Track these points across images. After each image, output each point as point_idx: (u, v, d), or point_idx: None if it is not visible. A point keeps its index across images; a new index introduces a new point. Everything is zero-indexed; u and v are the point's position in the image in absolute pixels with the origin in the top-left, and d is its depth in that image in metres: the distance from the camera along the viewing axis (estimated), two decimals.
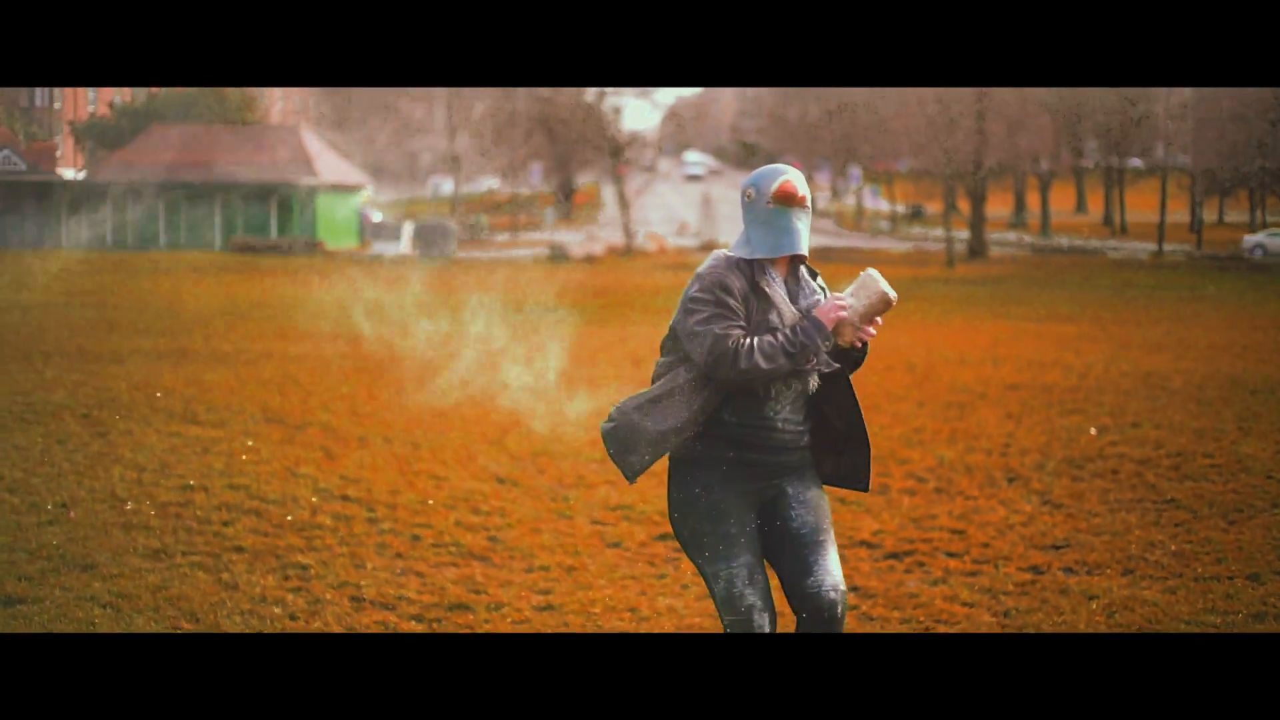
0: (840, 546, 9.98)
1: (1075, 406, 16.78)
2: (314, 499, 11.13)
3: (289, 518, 10.47)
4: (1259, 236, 59.62)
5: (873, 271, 5.94)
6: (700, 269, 5.84)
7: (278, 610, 8.08)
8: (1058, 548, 9.93)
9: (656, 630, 7.99)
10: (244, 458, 12.78)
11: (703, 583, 8.87)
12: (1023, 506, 11.32)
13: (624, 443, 5.84)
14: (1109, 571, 9.23)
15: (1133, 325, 29.80)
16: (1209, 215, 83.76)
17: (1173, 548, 9.85)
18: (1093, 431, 14.80)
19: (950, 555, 9.72)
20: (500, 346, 24.40)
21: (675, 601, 8.54)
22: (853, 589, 8.84)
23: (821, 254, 64.90)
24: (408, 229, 69.25)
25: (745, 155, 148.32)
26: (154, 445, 13.28)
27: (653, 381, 5.95)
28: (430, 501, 11.26)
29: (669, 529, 10.49)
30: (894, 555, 9.75)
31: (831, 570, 5.87)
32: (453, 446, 13.86)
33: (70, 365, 19.50)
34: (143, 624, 7.74)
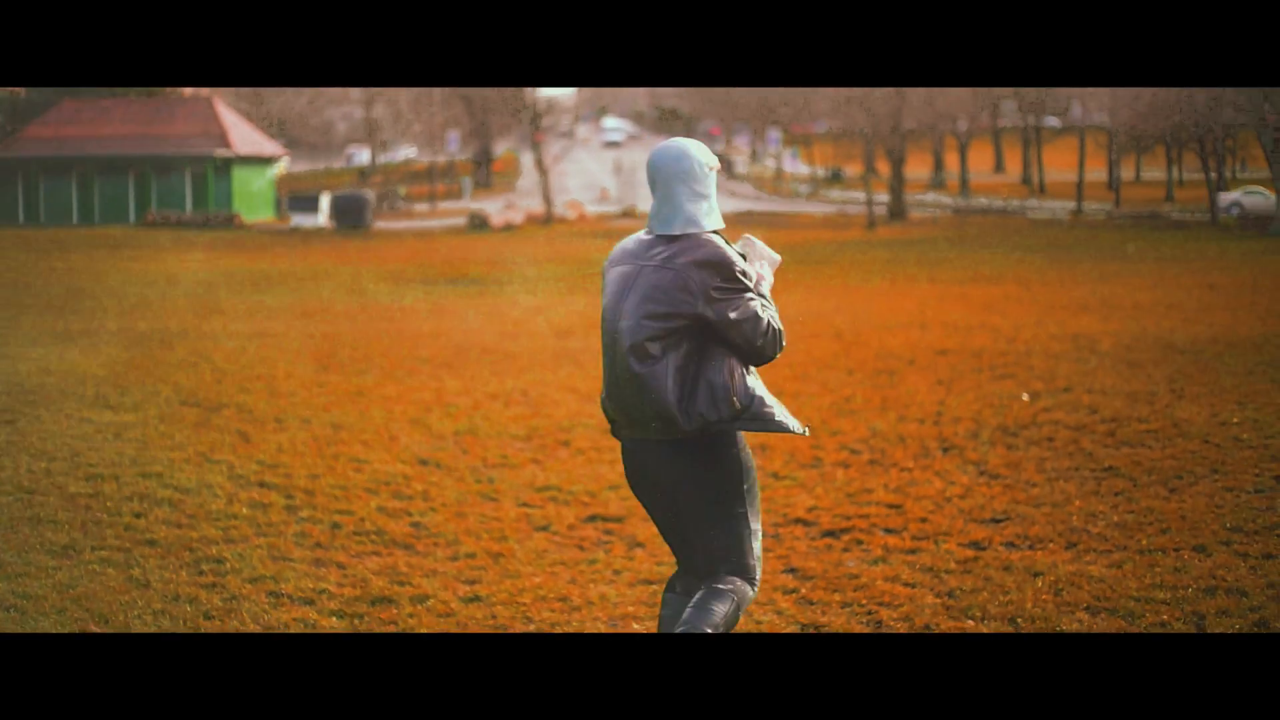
0: (775, 524, 9.72)
1: (1005, 371, 16.57)
2: (230, 486, 10.75)
3: (203, 507, 10.08)
4: (1235, 195, 59.09)
5: (751, 236, 6.09)
6: (707, 254, 5.69)
7: (190, 609, 7.70)
8: (998, 521, 9.66)
9: (589, 620, 7.65)
10: (158, 444, 12.37)
11: (628, 569, 8.59)
12: (959, 478, 11.07)
13: (765, 420, 5.90)
14: (1052, 546, 8.97)
15: (1057, 285, 29.70)
16: (1126, 173, 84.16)
17: (1115, 519, 9.61)
18: (1025, 398, 14.58)
19: (888, 531, 9.44)
20: (420, 321, 24.04)
21: (608, 589, 8.21)
22: (790, 570, 8.56)
23: (743, 218, 64.81)
24: (325, 201, 68.51)
25: (664, 120, 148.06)
26: (64, 432, 12.85)
27: (643, 361, 5.73)
28: (351, 486, 10.89)
29: (598, 510, 10.19)
30: (830, 533, 9.45)
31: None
32: (373, 427, 13.46)
33: None
34: (48, 626, 7.36)
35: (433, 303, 28.19)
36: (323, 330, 22.35)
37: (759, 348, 5.76)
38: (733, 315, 5.68)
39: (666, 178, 5.86)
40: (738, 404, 5.77)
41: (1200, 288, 28.13)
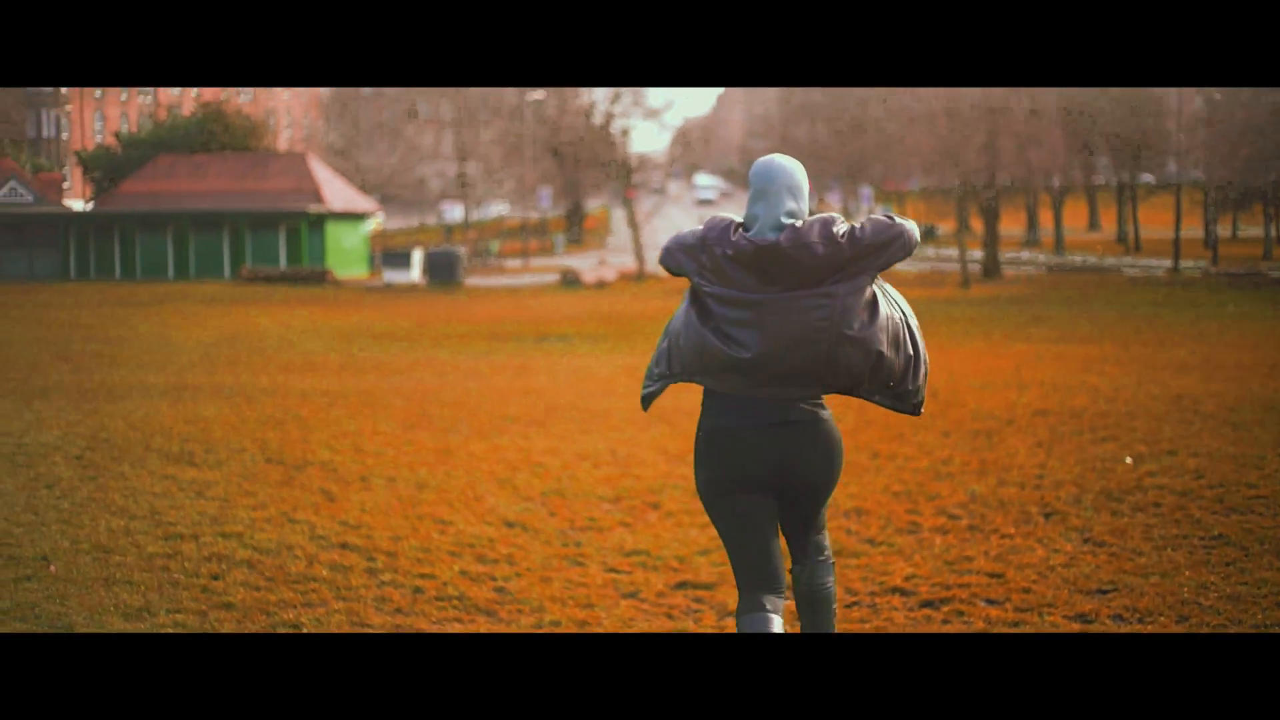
0: (871, 593, 9.37)
1: (1107, 433, 16.12)
2: (311, 547, 10.50)
3: (283, 569, 9.83)
4: None
5: None
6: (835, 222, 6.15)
7: None
8: (1104, 592, 9.26)
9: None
10: (239, 502, 12.15)
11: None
12: (1063, 545, 10.66)
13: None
14: (1162, 619, 8.57)
15: (1156, 345, 29.16)
16: (1223, 231, 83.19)
17: (1227, 590, 9.19)
18: (1128, 461, 14.13)
19: (990, 603, 9.06)
20: (509, 379, 23.82)
21: None
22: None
23: None
24: (417, 256, 68.65)
25: None
26: (146, 489, 12.66)
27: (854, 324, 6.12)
28: (434, 548, 10.62)
29: (688, 576, 9.88)
30: (929, 604, 9.08)
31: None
32: (459, 487, 13.19)
33: (67, 403, 18.92)
34: None
35: (523, 360, 28.00)
36: (411, 387, 22.17)
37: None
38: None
39: (795, 185, 6.20)
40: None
41: None
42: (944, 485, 13.15)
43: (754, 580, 6.24)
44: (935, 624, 8.61)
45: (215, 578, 9.57)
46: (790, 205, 6.12)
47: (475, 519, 11.76)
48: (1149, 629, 8.36)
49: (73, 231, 74.37)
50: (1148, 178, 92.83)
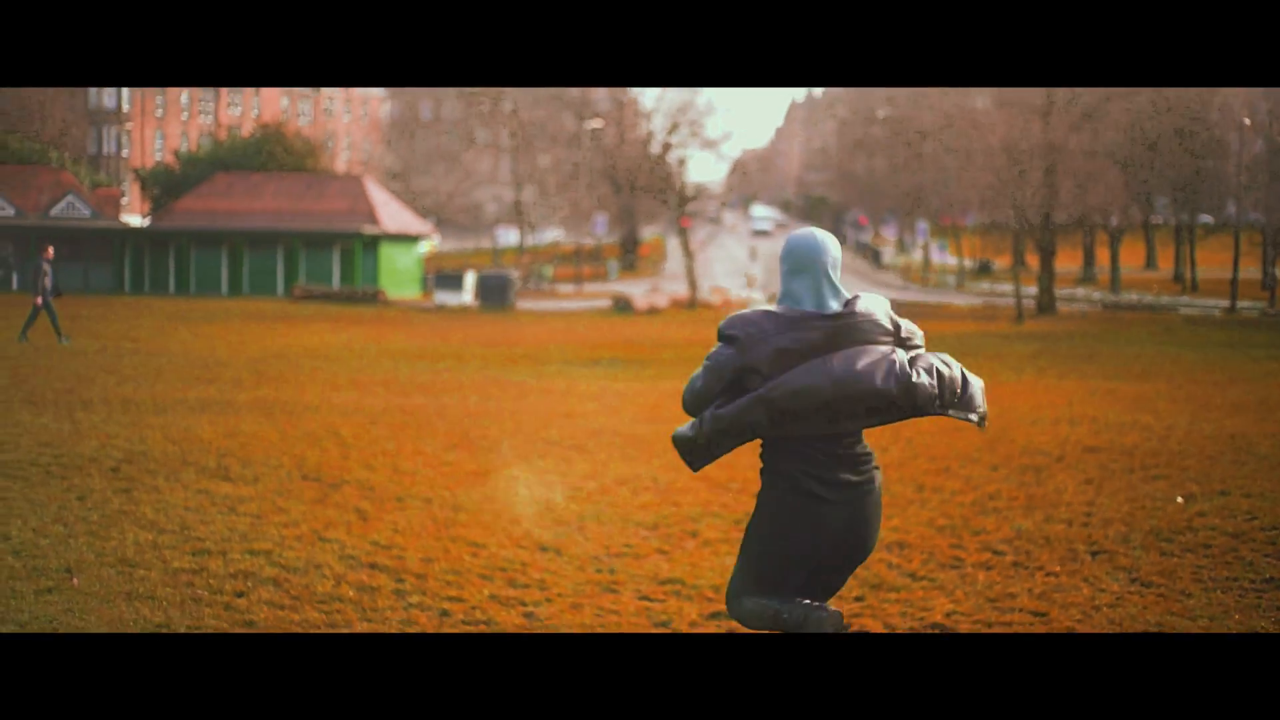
0: (911, 630, 9.09)
1: (1158, 472, 15.81)
2: (339, 567, 10.30)
3: (309, 588, 9.63)
4: None
5: None
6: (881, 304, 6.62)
7: None
8: (1150, 635, 8.98)
9: None
10: (271, 519, 11.97)
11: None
12: (1109, 585, 10.38)
13: None
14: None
15: (1210, 385, 28.74)
16: None
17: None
18: (1179, 500, 13.83)
19: None
20: (555, 402, 23.62)
21: None
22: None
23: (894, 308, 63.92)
24: (469, 279, 68.63)
25: (811, 208, 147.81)
26: (178, 503, 12.50)
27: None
28: (465, 571, 10.41)
29: (722, 607, 9.63)
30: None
31: None
32: (495, 509, 12.98)
33: (109, 415, 18.80)
34: None
35: (569, 384, 27.80)
36: (455, 408, 21.99)
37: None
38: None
39: (836, 260, 6.52)
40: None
41: None
42: (989, 520, 12.87)
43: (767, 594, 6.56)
44: None
45: (239, 595, 9.38)
46: (836, 278, 6.48)
47: (509, 542, 11.55)
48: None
49: (128, 246, 74.67)
50: (1206, 218, 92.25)
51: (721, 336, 6.35)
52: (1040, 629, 9.06)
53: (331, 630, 8.65)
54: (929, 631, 8.99)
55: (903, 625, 9.17)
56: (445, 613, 9.20)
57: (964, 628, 9.10)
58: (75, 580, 9.49)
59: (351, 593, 9.57)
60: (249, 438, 17.09)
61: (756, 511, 6.53)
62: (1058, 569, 10.92)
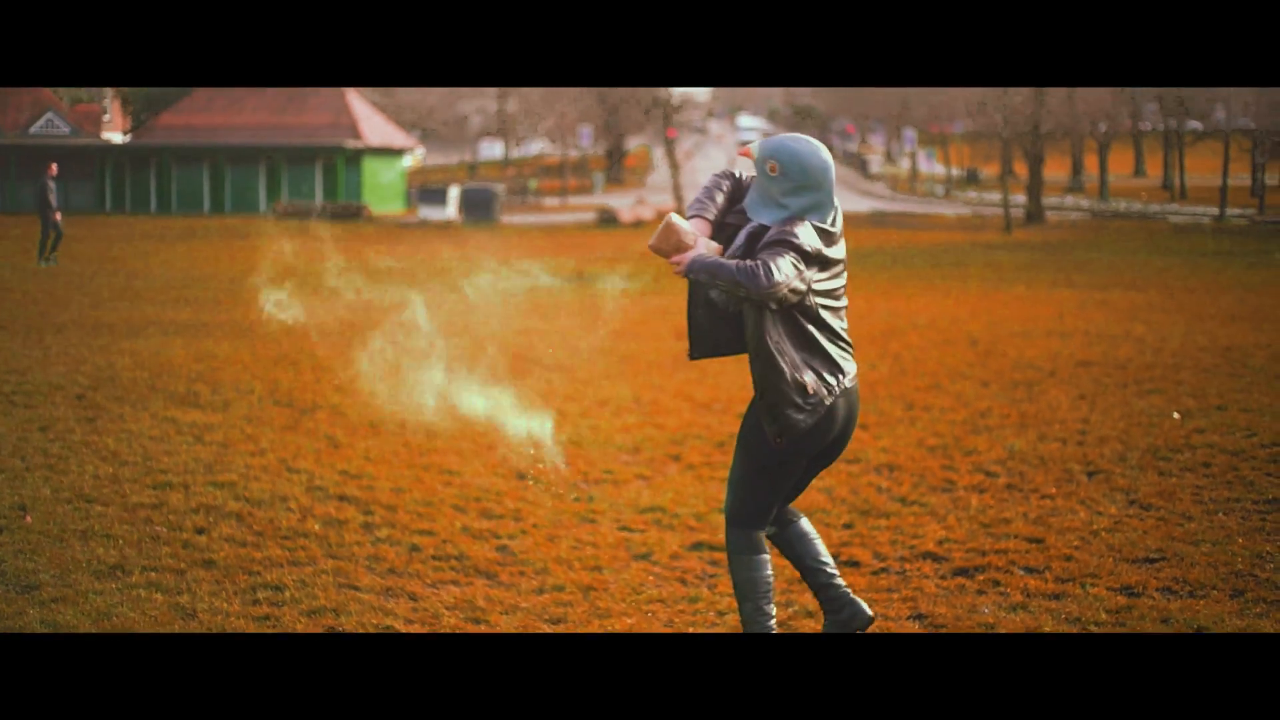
0: (901, 559, 8.71)
1: (1153, 386, 15.43)
2: (306, 499, 9.89)
3: (273, 523, 9.23)
4: None
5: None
6: None
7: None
8: (1151, 561, 8.60)
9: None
10: (238, 448, 11.56)
11: (733, 610, 7.60)
12: (1107, 508, 10.00)
13: None
14: (1215, 593, 7.90)
15: (1202, 293, 28.31)
16: (1271, 179, 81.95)
17: None
18: (1176, 416, 13.44)
19: (1029, 571, 8.40)
20: (537, 320, 23.16)
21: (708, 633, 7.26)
22: (918, 617, 7.56)
23: (875, 219, 63.68)
24: (453, 193, 67.96)
25: (799, 118, 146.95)
26: (142, 433, 12.08)
27: None
28: (437, 502, 10.00)
29: (705, 536, 9.25)
30: (963, 571, 8.42)
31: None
32: (472, 434, 12.54)
33: (80, 339, 18.36)
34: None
35: (552, 300, 27.31)
36: (436, 325, 21.51)
37: None
38: None
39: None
40: None
41: None
42: (981, 440, 12.49)
43: (761, 522, 6.57)
44: (969, 594, 7.96)
45: (200, 531, 8.98)
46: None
47: (485, 470, 11.15)
48: (1200, 603, 7.69)
49: (109, 164, 73.87)
50: (1195, 124, 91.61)
51: (797, 248, 6.14)
52: (1036, 557, 8.67)
53: (295, 567, 8.24)
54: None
55: (893, 554, 8.79)
56: (415, 547, 8.81)
57: (957, 556, 8.71)
58: (28, 518, 9.09)
59: (317, 527, 9.16)
60: (221, 361, 16.67)
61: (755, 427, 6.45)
62: (1053, 491, 10.54)
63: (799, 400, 6.24)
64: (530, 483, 10.70)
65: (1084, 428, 13.00)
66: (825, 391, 6.30)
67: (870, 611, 6.72)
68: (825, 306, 6.28)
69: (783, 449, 6.35)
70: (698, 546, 9.02)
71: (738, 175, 6.59)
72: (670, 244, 6.22)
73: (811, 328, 6.26)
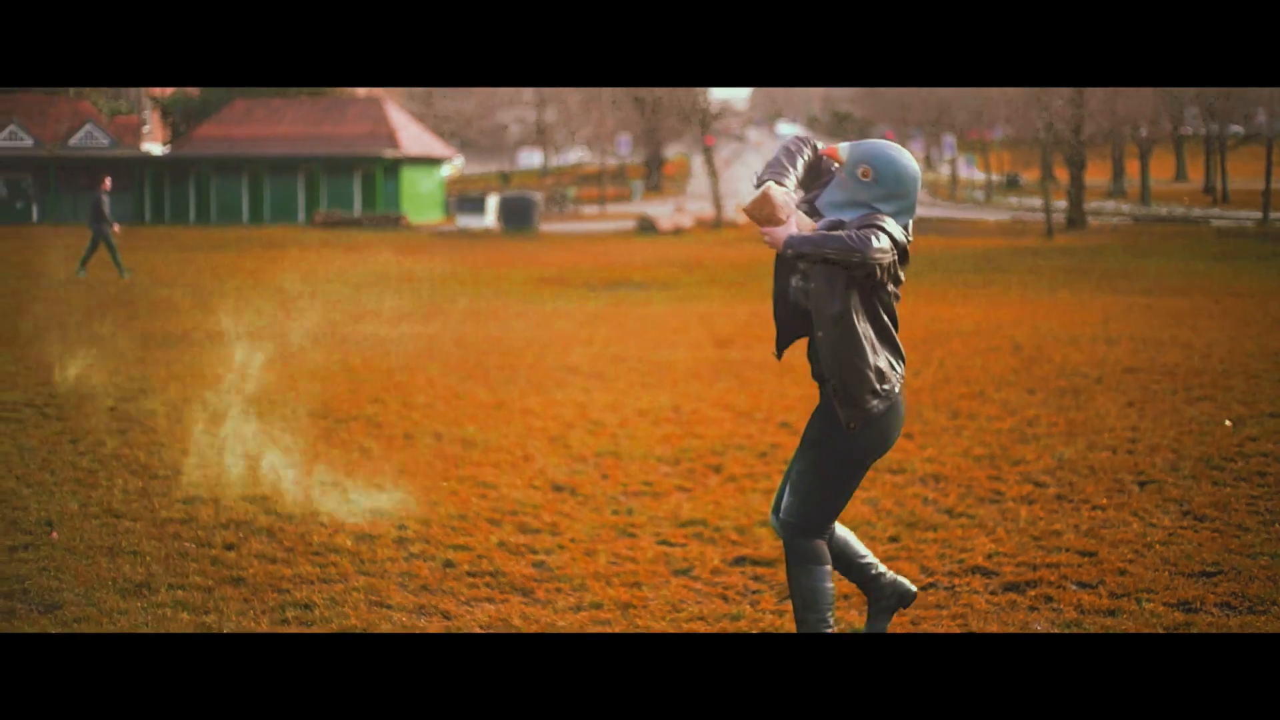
0: (950, 574, 8.44)
1: (1203, 393, 15.12)
2: (339, 513, 9.67)
3: (305, 538, 9.00)
4: None
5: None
6: None
7: None
8: (1209, 575, 8.32)
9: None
10: (270, 460, 11.35)
11: (776, 629, 7.37)
12: (1160, 519, 9.72)
13: None
14: (1276, 609, 7.63)
15: (1248, 298, 27.95)
16: None
17: None
18: (1228, 424, 13.14)
19: (1082, 586, 8.13)
20: (576, 328, 22.95)
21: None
22: (969, 636, 7.29)
23: (917, 225, 63.13)
24: (492, 202, 67.85)
25: (837, 124, 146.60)
26: (174, 443, 11.89)
27: None
28: (472, 515, 9.77)
29: (748, 550, 9.01)
30: (1014, 587, 8.15)
31: (784, 500, 6.57)
32: (508, 445, 12.33)
33: (117, 351, 18.19)
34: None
35: (592, 308, 27.09)
36: (473, 335, 21.33)
37: None
38: None
39: None
40: None
41: None
42: (1029, 449, 12.21)
43: (825, 530, 6.56)
44: (1021, 610, 7.69)
45: (229, 547, 8.77)
46: None
47: (522, 482, 10.91)
48: (1261, 619, 7.42)
49: (148, 175, 74.01)
50: (1236, 128, 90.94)
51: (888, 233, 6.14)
52: (1089, 571, 8.40)
53: (325, 585, 8.02)
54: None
55: (941, 569, 8.53)
56: (450, 563, 8.57)
57: (1007, 570, 8.44)
58: (55, 534, 8.89)
59: (349, 543, 8.94)
60: (259, 369, 16.46)
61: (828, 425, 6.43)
62: (1104, 502, 10.27)
63: (876, 384, 6.27)
64: (569, 494, 10.46)
65: (1134, 435, 12.71)
66: (895, 379, 6.36)
67: (914, 587, 6.95)
68: (891, 302, 6.35)
69: (855, 445, 6.35)
70: (740, 561, 8.77)
71: (817, 145, 6.46)
72: (763, 214, 6.05)
73: (885, 316, 6.30)
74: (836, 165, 6.34)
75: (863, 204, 6.23)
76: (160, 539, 8.90)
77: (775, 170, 6.23)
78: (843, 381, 6.22)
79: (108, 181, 33.72)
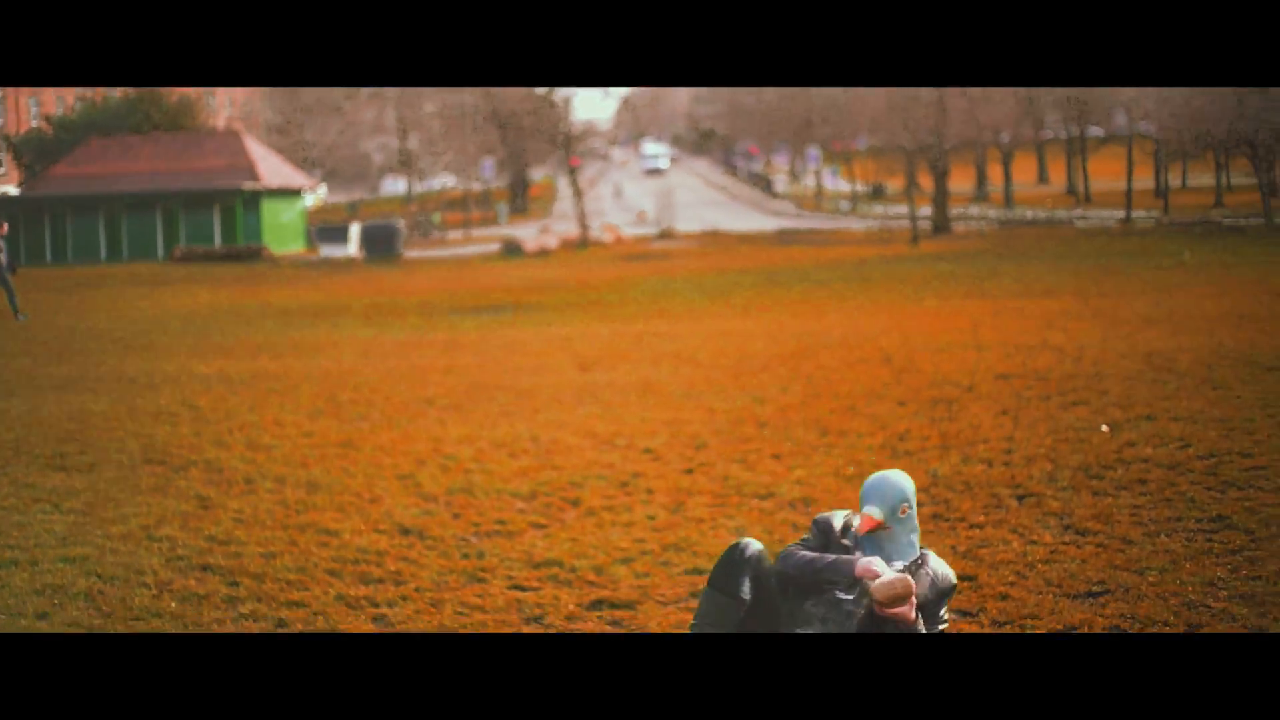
0: None
1: (1077, 397, 14.71)
2: (165, 573, 8.93)
3: (125, 602, 8.27)
4: None
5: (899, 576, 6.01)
6: None
7: None
8: (1095, 595, 7.82)
9: None
10: (99, 514, 10.59)
11: None
12: (1041, 535, 9.22)
13: None
14: (1168, 629, 7.13)
15: (1117, 297, 27.73)
16: (1173, 180, 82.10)
17: (1239, 588, 7.78)
18: (1105, 429, 12.71)
19: (962, 615, 7.60)
20: (435, 356, 22.25)
21: None
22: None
23: (784, 236, 63.13)
24: (354, 231, 66.93)
25: (702, 141, 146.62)
26: None
27: None
28: (310, 567, 9.08)
29: (606, 593, 8.39)
30: None
31: None
32: (355, 487, 11.63)
33: None
34: None
35: (452, 335, 26.38)
36: (326, 369, 20.57)
37: None
38: None
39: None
40: None
41: (1270, 295, 26.19)
42: (902, 464, 11.68)
43: None
44: None
45: (41, 616, 8.02)
46: None
47: (366, 526, 10.24)
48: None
49: (1, 216, 72.41)
50: (1096, 130, 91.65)
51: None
52: (969, 598, 7.87)
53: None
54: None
55: None
56: (281, 622, 7.90)
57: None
58: None
59: (173, 605, 8.22)
60: (97, 417, 15.65)
61: None
62: (982, 519, 9.78)
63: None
64: (416, 538, 9.80)
65: (1009, 446, 12.25)
66: None
67: None
68: None
69: None
70: (597, 605, 8.17)
71: (850, 523, 6.46)
72: (896, 601, 6.00)
73: None
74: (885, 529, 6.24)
75: (908, 537, 6.26)
76: None
77: (872, 561, 6.11)
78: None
79: (4, 226, 33.26)
